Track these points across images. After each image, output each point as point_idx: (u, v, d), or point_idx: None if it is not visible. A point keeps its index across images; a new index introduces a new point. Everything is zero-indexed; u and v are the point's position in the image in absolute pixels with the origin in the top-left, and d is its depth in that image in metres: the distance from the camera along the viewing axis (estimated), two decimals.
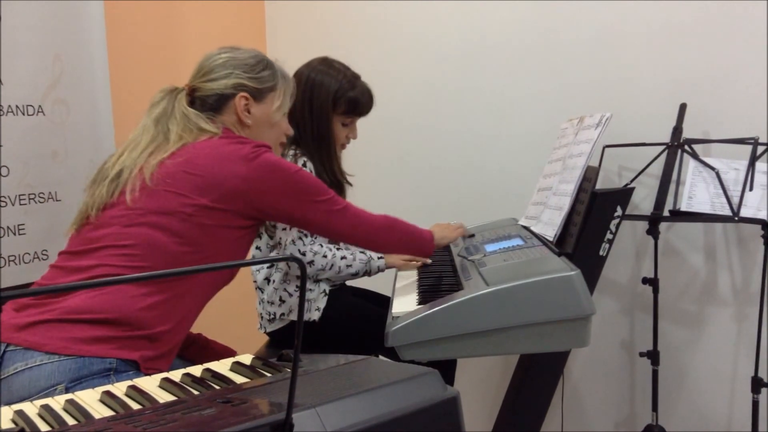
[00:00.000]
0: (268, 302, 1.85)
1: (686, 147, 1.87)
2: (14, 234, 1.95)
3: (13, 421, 0.82)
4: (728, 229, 2.00)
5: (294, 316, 1.83)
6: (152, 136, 1.46)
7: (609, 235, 1.75)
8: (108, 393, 0.90)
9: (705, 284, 2.05)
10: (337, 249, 1.84)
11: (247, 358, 1.03)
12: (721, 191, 1.78)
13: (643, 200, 2.09)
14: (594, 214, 1.67)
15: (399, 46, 2.62)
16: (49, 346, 1.24)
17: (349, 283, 2.03)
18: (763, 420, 1.89)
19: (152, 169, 1.38)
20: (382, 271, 1.88)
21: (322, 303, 1.82)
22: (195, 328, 1.66)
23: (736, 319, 2.01)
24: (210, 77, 1.53)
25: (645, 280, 1.97)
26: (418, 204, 2.63)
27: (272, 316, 1.85)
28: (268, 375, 0.93)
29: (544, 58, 2.27)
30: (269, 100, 1.56)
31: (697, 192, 1.82)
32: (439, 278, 1.73)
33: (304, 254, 1.76)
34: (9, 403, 1.21)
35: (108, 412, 0.84)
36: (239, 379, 0.93)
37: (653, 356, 1.96)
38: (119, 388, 0.93)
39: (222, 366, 1.00)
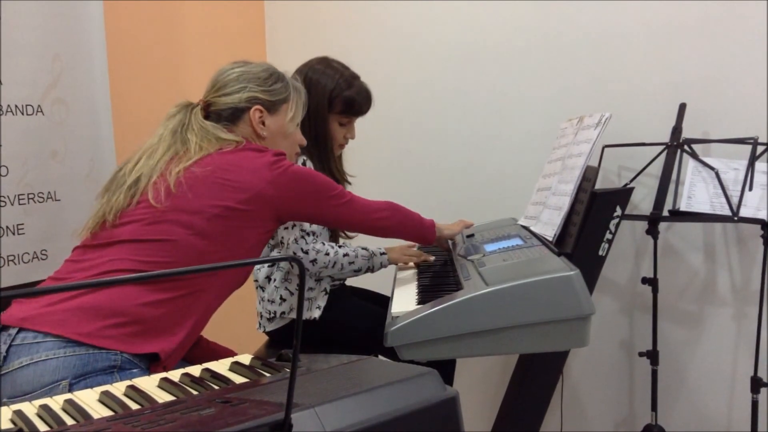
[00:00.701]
0: (268, 301, 1.85)
1: (686, 147, 1.87)
2: (14, 234, 1.94)
3: (12, 421, 0.82)
4: (728, 229, 2.00)
5: (293, 315, 1.83)
6: (169, 144, 1.50)
7: (608, 235, 1.75)
8: (107, 393, 0.90)
9: (704, 284, 2.05)
10: (339, 246, 1.84)
11: (246, 358, 1.03)
12: (720, 191, 1.78)
13: (642, 200, 2.09)
14: (593, 214, 1.67)
15: (399, 46, 2.62)
16: (58, 330, 1.26)
17: (348, 282, 2.03)
18: (762, 420, 1.89)
19: (178, 175, 1.42)
20: (385, 266, 1.88)
21: (323, 301, 1.82)
22: None
23: (736, 319, 2.01)
24: (224, 92, 1.58)
25: (644, 280, 1.97)
26: (418, 204, 2.62)
27: (272, 315, 1.85)
28: (267, 375, 0.93)
29: (543, 58, 2.27)
30: (282, 112, 1.61)
31: (697, 192, 1.82)
32: (439, 278, 1.73)
33: (306, 252, 1.76)
34: (13, 397, 1.22)
35: (107, 412, 0.84)
36: (238, 379, 0.93)
37: (652, 356, 1.96)
38: (118, 388, 0.93)
39: (221, 366, 1.00)
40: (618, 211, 1.76)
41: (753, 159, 1.77)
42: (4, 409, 0.85)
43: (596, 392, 2.29)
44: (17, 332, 1.28)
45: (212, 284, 1.43)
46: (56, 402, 0.88)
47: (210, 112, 1.58)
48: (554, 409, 2.11)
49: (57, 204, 2.06)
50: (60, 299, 1.30)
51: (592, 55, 2.17)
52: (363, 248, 1.86)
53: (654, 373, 1.97)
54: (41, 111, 1.99)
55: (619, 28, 2.11)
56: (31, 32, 1.95)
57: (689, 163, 1.86)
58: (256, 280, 1.90)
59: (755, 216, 1.76)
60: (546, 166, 1.98)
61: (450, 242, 1.99)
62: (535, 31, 2.28)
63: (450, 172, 2.53)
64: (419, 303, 1.50)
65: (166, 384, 0.93)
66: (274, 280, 1.85)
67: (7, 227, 1.93)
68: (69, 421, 0.81)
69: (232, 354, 1.58)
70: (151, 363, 1.33)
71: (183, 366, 1.35)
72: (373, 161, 2.69)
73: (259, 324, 1.92)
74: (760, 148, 1.79)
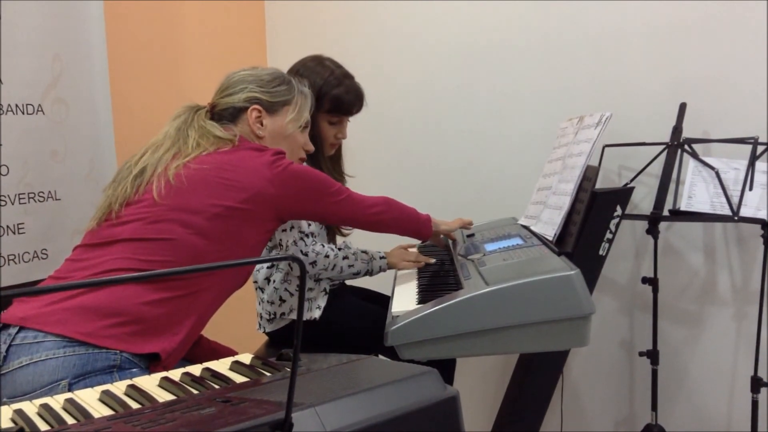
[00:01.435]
0: (268, 302, 1.85)
1: (686, 146, 1.87)
2: (14, 233, 1.95)
3: (13, 421, 0.82)
4: (728, 229, 2.00)
5: (294, 316, 1.83)
6: (173, 141, 1.51)
7: (609, 235, 1.75)
8: (107, 392, 0.90)
9: (704, 284, 2.05)
10: (339, 249, 1.84)
11: (246, 358, 1.03)
12: (720, 191, 1.78)
13: (642, 200, 2.09)
14: (594, 214, 1.67)
15: (399, 46, 2.62)
16: (58, 329, 1.26)
17: (348, 282, 2.03)
18: (762, 419, 1.89)
19: (176, 169, 1.43)
20: (384, 270, 1.88)
21: (322, 301, 1.82)
22: None
23: (736, 319, 2.01)
24: (227, 92, 1.61)
25: (644, 280, 1.97)
26: (418, 203, 2.62)
27: (272, 316, 1.85)
28: (268, 374, 0.93)
29: (544, 58, 2.27)
30: (283, 113, 1.61)
31: (697, 191, 1.82)
32: (439, 277, 1.73)
33: (306, 254, 1.76)
34: (13, 397, 1.22)
35: (107, 412, 0.84)
36: (238, 378, 0.93)
37: (653, 356, 1.96)
38: (119, 387, 0.93)
39: (221, 365, 1.00)
40: (618, 211, 1.76)
41: (753, 159, 1.77)
42: (4, 408, 0.85)
43: (596, 392, 2.29)
44: (17, 332, 1.28)
45: (212, 284, 1.43)
46: (57, 401, 0.88)
47: (214, 113, 1.61)
48: (554, 408, 2.11)
49: (57, 204, 2.06)
50: (60, 298, 1.30)
51: (592, 54, 2.17)
52: (363, 251, 1.86)
53: (654, 373, 1.97)
54: (41, 111, 2.00)
55: (619, 28, 2.11)
56: (31, 32, 1.95)
57: (689, 163, 1.86)
58: (256, 281, 1.90)
59: (755, 216, 1.76)
60: (546, 166, 1.98)
61: (450, 242, 1.99)
62: (535, 30, 2.28)
63: (450, 171, 2.53)
64: (419, 302, 1.50)
65: (166, 383, 0.93)
66: (274, 281, 1.85)
67: (7, 227, 1.93)
68: (70, 421, 0.81)
69: (232, 353, 1.58)
70: (152, 362, 1.33)
71: (183, 365, 1.36)
72: (373, 161, 2.70)
73: (259, 324, 1.92)
74: (760, 148, 1.79)
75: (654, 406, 1.97)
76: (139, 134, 2.54)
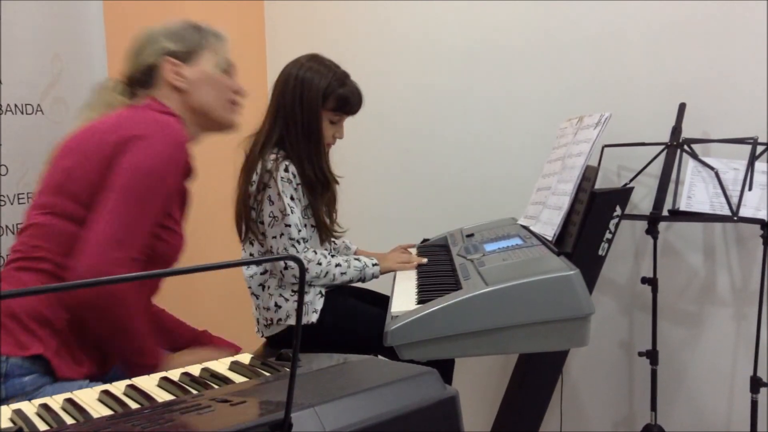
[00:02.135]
0: (264, 308, 1.85)
1: (685, 147, 1.87)
2: (13, 233, 1.94)
3: (12, 421, 0.82)
4: (727, 229, 2.00)
5: (291, 321, 1.82)
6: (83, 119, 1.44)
7: (608, 235, 1.75)
8: (107, 392, 0.90)
9: (704, 284, 2.05)
10: (332, 256, 1.84)
11: (245, 358, 1.03)
12: (720, 191, 1.78)
13: (642, 200, 2.09)
14: (593, 214, 1.67)
15: (398, 46, 2.62)
16: None
17: None
18: (762, 419, 1.89)
19: (57, 148, 1.35)
20: (377, 277, 1.88)
21: (319, 304, 1.82)
22: (195, 325, 1.66)
23: (735, 319, 2.01)
24: (138, 53, 1.47)
25: (644, 280, 1.97)
26: (417, 203, 2.63)
27: (269, 322, 1.85)
28: (267, 374, 0.93)
29: (543, 58, 2.27)
30: (203, 59, 1.49)
31: (696, 192, 1.82)
32: (439, 278, 1.73)
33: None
34: None
35: (106, 411, 0.84)
36: (238, 378, 0.93)
37: (652, 356, 1.96)
38: (118, 387, 0.93)
39: (220, 365, 1.00)
40: (618, 211, 1.76)
41: (753, 159, 1.77)
42: (3, 408, 0.85)
43: (596, 392, 2.29)
44: None
45: None
46: (56, 401, 0.88)
47: (133, 83, 1.47)
48: (554, 408, 2.11)
49: None
50: None
51: (592, 55, 2.17)
52: (356, 258, 1.87)
53: (653, 373, 1.97)
54: (41, 110, 1.99)
55: (619, 29, 2.11)
56: (30, 31, 1.95)
57: (689, 163, 1.86)
58: (250, 288, 1.89)
59: (755, 216, 1.77)
60: (546, 166, 1.98)
61: (449, 240, 1.99)
62: (534, 30, 2.28)
63: (449, 171, 2.53)
64: (419, 302, 1.50)
65: (165, 383, 0.93)
66: (268, 287, 1.85)
67: (7, 227, 1.93)
68: (69, 420, 0.81)
69: (237, 349, 1.57)
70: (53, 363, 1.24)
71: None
72: (373, 161, 2.70)
73: (258, 329, 1.92)
74: (759, 148, 1.79)
75: (653, 406, 1.97)
76: None
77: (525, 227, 1.89)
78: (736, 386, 2.03)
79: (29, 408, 0.86)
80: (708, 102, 1.97)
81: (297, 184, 1.80)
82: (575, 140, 1.80)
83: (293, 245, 1.77)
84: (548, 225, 1.71)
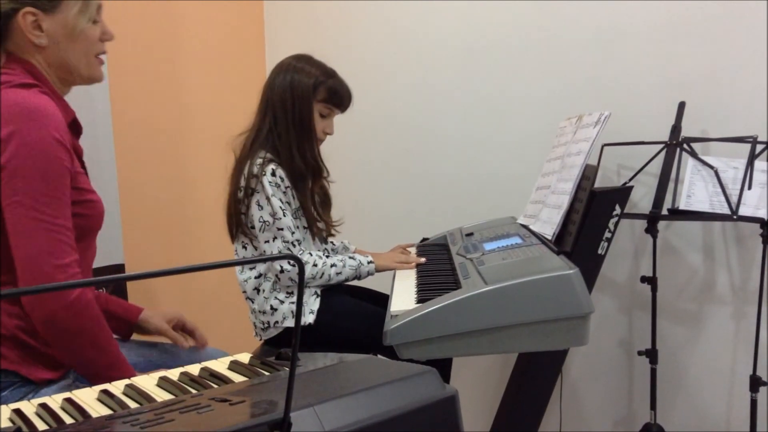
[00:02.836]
0: (260, 312, 1.85)
1: (685, 145, 1.87)
2: None
3: (11, 420, 0.81)
4: (727, 228, 2.00)
5: (288, 323, 1.82)
6: None
7: (608, 234, 1.75)
8: (106, 392, 0.90)
9: (703, 283, 2.05)
10: (327, 256, 1.84)
11: (245, 357, 1.03)
12: (719, 190, 1.78)
13: (641, 199, 2.09)
14: (593, 213, 1.67)
15: (397, 46, 2.62)
16: None
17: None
18: (761, 419, 1.89)
19: None
20: (372, 274, 1.88)
21: (315, 305, 1.81)
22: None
23: (735, 318, 2.01)
24: None
25: (643, 279, 1.97)
26: (417, 202, 2.63)
27: (266, 325, 1.84)
28: (266, 374, 0.93)
29: (542, 57, 2.27)
30: (65, 7, 1.28)
31: (696, 191, 1.82)
32: (438, 277, 1.73)
33: (293, 265, 1.76)
34: None
35: (106, 411, 0.84)
36: (237, 377, 0.93)
37: (652, 355, 1.96)
38: (117, 387, 0.93)
39: (220, 365, 1.00)
40: (617, 210, 1.76)
41: (752, 158, 1.77)
42: (3, 407, 0.85)
43: (595, 391, 2.29)
44: None
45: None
46: (55, 401, 0.88)
47: None
48: (553, 407, 2.11)
49: None
50: None
51: (591, 53, 2.17)
52: (350, 257, 1.86)
53: (653, 372, 1.97)
54: None
55: (618, 27, 2.11)
56: None
57: (688, 162, 1.86)
58: (245, 292, 1.88)
59: (754, 215, 1.76)
60: (545, 165, 1.98)
61: (449, 239, 1.99)
62: (534, 30, 2.28)
63: (449, 171, 2.53)
64: (418, 302, 1.50)
65: (164, 383, 0.93)
66: (263, 290, 1.84)
67: None
68: (68, 420, 0.81)
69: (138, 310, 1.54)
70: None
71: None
72: (372, 160, 2.69)
73: (255, 332, 1.91)
74: (759, 147, 1.79)
75: (653, 406, 1.97)
76: (138, 133, 2.54)
77: (524, 226, 1.89)
78: (735, 385, 2.03)
79: (28, 407, 0.86)
80: (707, 101, 1.97)
81: (286, 187, 1.79)
82: (575, 139, 1.80)
83: (288, 248, 1.76)
84: (548, 224, 1.71)
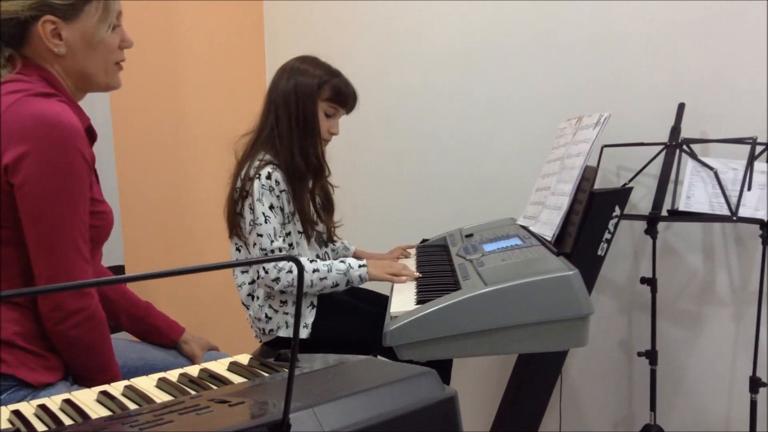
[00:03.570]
0: (255, 318, 1.84)
1: (684, 147, 1.87)
2: None
3: (10, 422, 0.81)
4: (726, 229, 2.00)
5: (282, 333, 1.80)
6: None
7: (607, 235, 1.75)
8: (105, 393, 0.90)
9: (703, 284, 2.05)
10: (311, 261, 1.79)
11: (244, 358, 1.03)
12: (719, 191, 1.78)
13: (641, 200, 2.09)
14: (592, 214, 1.67)
15: (397, 47, 2.62)
16: None
17: None
18: (761, 420, 1.89)
19: None
20: (365, 280, 1.80)
21: (310, 318, 1.80)
22: (193, 326, 1.66)
23: (735, 319, 2.01)
24: None
25: (643, 280, 1.97)
26: (416, 203, 2.63)
27: (262, 332, 1.84)
28: (266, 375, 0.93)
29: (542, 58, 2.27)
30: (85, 15, 1.25)
31: (696, 192, 1.82)
32: (438, 278, 1.73)
33: (267, 272, 1.72)
34: None
35: (105, 412, 0.84)
36: (236, 379, 0.93)
37: (651, 356, 1.96)
38: (116, 388, 0.93)
39: (219, 366, 1.00)
40: (617, 211, 1.76)
41: (752, 159, 1.77)
42: (2, 409, 0.85)
43: (595, 392, 2.29)
44: None
45: None
46: (54, 402, 0.88)
47: None
48: (553, 408, 2.11)
49: None
50: None
51: (590, 54, 2.17)
52: (341, 261, 1.80)
53: (653, 373, 1.97)
54: None
55: (618, 28, 2.11)
56: None
57: (688, 163, 1.86)
58: (241, 297, 1.87)
59: (754, 216, 1.77)
60: (545, 166, 1.98)
61: (449, 241, 1.99)
62: (533, 30, 2.28)
63: (448, 172, 2.53)
64: (418, 303, 1.50)
65: (164, 384, 0.93)
66: (257, 297, 1.83)
67: None
68: (67, 421, 0.81)
69: (180, 330, 1.57)
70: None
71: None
72: (371, 162, 2.70)
73: (256, 335, 1.91)
74: (758, 148, 1.79)
75: (653, 407, 1.97)
76: (138, 134, 2.54)
77: (524, 227, 1.89)
78: (735, 386, 2.03)
79: (27, 409, 0.86)
80: (707, 102, 1.97)
81: (281, 191, 1.77)
82: (574, 140, 1.80)
83: (266, 255, 1.72)
84: (547, 225, 1.71)
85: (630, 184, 1.99)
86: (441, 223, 2.42)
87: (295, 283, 1.73)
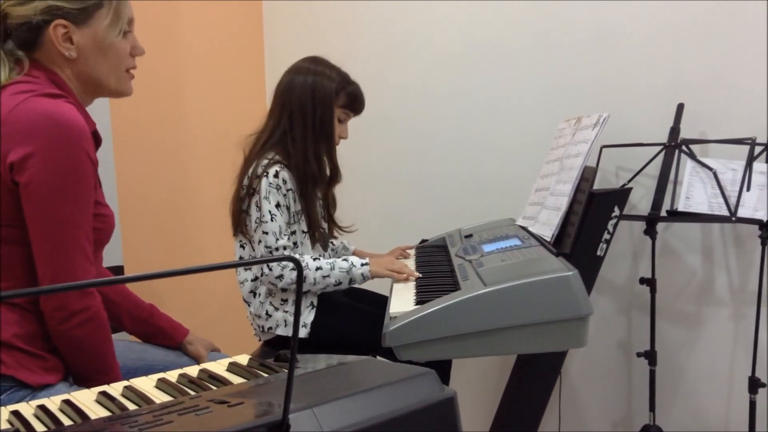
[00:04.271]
0: (255, 315, 1.84)
1: (683, 147, 1.87)
2: None
3: (9, 422, 0.81)
4: (725, 230, 2.00)
5: (281, 331, 1.81)
6: None
7: (606, 236, 1.75)
8: (104, 393, 0.90)
9: (702, 284, 2.05)
10: (314, 259, 1.79)
11: (243, 359, 1.03)
12: (718, 191, 1.78)
13: (640, 200, 2.09)
14: (591, 215, 1.67)
15: (396, 47, 2.62)
16: None
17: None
18: (760, 420, 1.89)
19: None
20: (367, 279, 1.81)
21: (309, 318, 1.80)
22: (193, 326, 1.66)
23: (734, 319, 2.01)
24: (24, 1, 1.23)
25: (642, 281, 1.97)
26: (415, 204, 2.63)
27: (261, 329, 1.84)
28: (265, 375, 0.93)
29: (541, 59, 2.27)
30: (96, 20, 1.26)
31: (695, 192, 1.82)
32: (437, 278, 1.73)
33: (270, 269, 1.74)
34: None
35: (104, 413, 0.84)
36: (236, 379, 0.93)
37: (650, 356, 1.96)
38: (116, 389, 0.93)
39: (218, 366, 1.00)
40: (616, 212, 1.76)
41: (751, 159, 1.78)
42: (2, 409, 0.85)
43: (594, 392, 2.29)
44: None
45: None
46: (53, 402, 0.88)
47: (8, 26, 1.24)
48: (552, 409, 2.11)
49: None
50: None
51: (590, 55, 2.17)
52: (343, 259, 1.81)
53: (652, 374, 1.97)
54: None
55: (618, 28, 2.11)
56: None
57: (687, 164, 1.86)
58: (242, 294, 1.88)
59: (753, 216, 1.77)
60: (544, 167, 1.98)
61: (448, 241, 1.99)
62: (532, 30, 2.28)
63: (448, 172, 2.53)
64: (417, 303, 1.50)
65: (163, 384, 0.93)
66: (259, 294, 1.84)
67: None
68: (66, 422, 0.81)
69: (184, 331, 1.57)
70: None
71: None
72: (371, 162, 2.70)
73: (255, 333, 1.91)
74: (757, 149, 1.79)
75: (652, 407, 1.97)
76: (138, 134, 2.54)
77: (523, 228, 1.89)
78: (734, 386, 2.03)
79: (27, 409, 0.86)
80: (706, 102, 1.98)
81: (287, 190, 1.78)
82: (573, 141, 1.80)
83: (270, 253, 1.74)
84: (547, 225, 1.71)
85: (629, 185, 1.99)
86: (440, 223, 2.42)
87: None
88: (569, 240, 1.64)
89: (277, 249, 1.74)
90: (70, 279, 1.19)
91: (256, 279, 1.84)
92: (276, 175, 1.75)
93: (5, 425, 0.80)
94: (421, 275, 1.78)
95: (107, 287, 1.48)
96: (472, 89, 2.44)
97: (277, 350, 1.86)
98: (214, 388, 0.90)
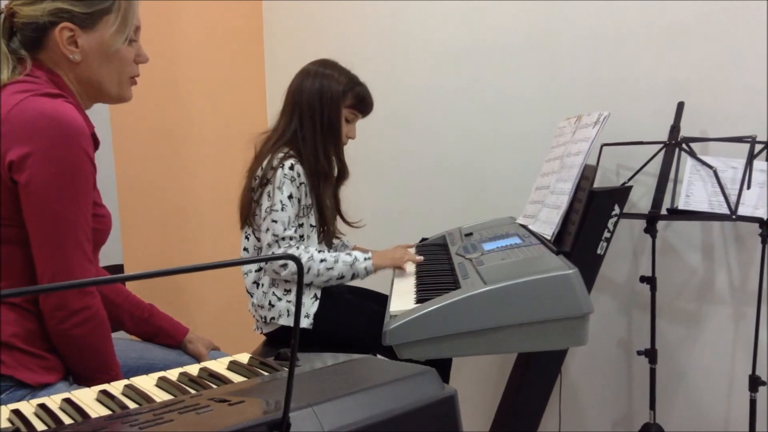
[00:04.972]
0: (258, 306, 1.85)
1: (684, 145, 1.87)
2: None
3: (10, 421, 0.81)
4: (726, 228, 2.00)
5: (283, 321, 1.82)
6: None
7: (607, 234, 1.75)
8: (105, 392, 0.90)
9: (703, 283, 2.05)
10: (319, 251, 1.82)
11: (244, 357, 1.03)
12: (718, 190, 1.78)
13: (640, 199, 2.09)
14: (592, 213, 1.67)
15: (397, 46, 2.62)
16: None
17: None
18: (761, 418, 1.89)
19: None
20: (371, 272, 1.84)
21: (312, 309, 1.81)
22: (193, 325, 1.66)
23: (734, 318, 2.01)
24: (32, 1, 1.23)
25: (643, 279, 1.97)
26: (416, 202, 2.63)
27: (264, 320, 1.85)
28: (265, 374, 0.93)
29: (542, 57, 2.27)
30: (103, 25, 1.27)
31: (695, 190, 1.82)
32: (437, 276, 1.73)
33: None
34: None
35: (105, 411, 0.84)
36: (236, 378, 0.93)
37: (651, 355, 1.96)
38: (116, 387, 0.93)
39: (219, 365, 1.00)
40: (616, 210, 1.76)
41: (751, 157, 1.77)
42: (2, 408, 0.85)
43: (594, 391, 2.29)
44: None
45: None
46: (54, 401, 0.88)
47: (14, 26, 1.25)
48: (552, 407, 2.11)
49: None
50: None
51: (590, 53, 2.17)
52: (347, 254, 1.84)
53: (652, 372, 1.97)
54: None
55: (618, 27, 2.11)
56: None
57: (687, 162, 1.86)
58: (245, 285, 1.90)
59: (753, 214, 1.77)
60: (544, 165, 1.98)
61: (448, 240, 1.99)
62: (533, 29, 2.28)
63: (448, 171, 2.53)
64: (418, 301, 1.50)
65: (163, 383, 0.93)
66: (262, 285, 1.85)
67: None
68: (67, 421, 0.81)
69: (184, 331, 1.58)
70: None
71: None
72: (372, 161, 2.69)
73: (256, 326, 1.92)
74: (758, 147, 1.79)
75: (652, 405, 1.97)
76: (137, 134, 2.54)
77: (524, 226, 1.89)
78: (734, 385, 2.03)
79: (27, 408, 0.86)
80: (706, 101, 1.97)
81: (300, 183, 1.81)
82: (574, 139, 1.80)
83: (276, 242, 1.77)
84: (547, 224, 1.71)
85: (629, 183, 1.99)
86: (440, 221, 2.42)
87: (305, 270, 1.78)
88: (569, 238, 1.64)
89: (283, 239, 1.77)
90: (69, 278, 1.19)
91: (259, 270, 1.86)
92: (291, 168, 1.79)
93: (5, 424, 0.80)
94: (422, 258, 1.84)
95: (107, 289, 1.48)
96: (472, 88, 2.44)
97: (278, 344, 1.87)
98: (215, 386, 0.90)
